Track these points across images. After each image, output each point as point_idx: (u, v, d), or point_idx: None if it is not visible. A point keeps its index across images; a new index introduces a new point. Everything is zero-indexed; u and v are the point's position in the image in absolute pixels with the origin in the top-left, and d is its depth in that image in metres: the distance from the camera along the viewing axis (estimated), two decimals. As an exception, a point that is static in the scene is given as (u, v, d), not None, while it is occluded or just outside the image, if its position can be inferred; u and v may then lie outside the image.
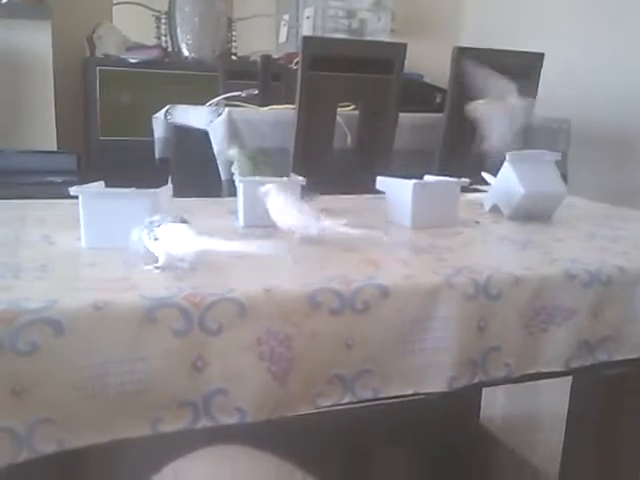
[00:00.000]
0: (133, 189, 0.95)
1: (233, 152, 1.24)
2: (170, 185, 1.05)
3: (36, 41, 3.02)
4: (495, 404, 1.89)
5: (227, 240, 0.85)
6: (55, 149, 3.17)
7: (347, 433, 1.41)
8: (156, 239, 0.82)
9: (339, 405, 0.81)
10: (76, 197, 0.93)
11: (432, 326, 0.84)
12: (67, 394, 0.69)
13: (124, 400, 0.71)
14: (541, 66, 2.24)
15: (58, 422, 0.69)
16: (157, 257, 0.82)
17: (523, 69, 2.24)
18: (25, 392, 0.67)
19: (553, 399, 1.41)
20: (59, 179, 2.67)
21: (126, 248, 0.83)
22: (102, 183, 1.02)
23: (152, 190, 0.95)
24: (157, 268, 0.82)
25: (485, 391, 1.65)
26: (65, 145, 3.24)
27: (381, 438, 1.57)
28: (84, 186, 0.96)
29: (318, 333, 0.78)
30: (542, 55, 2.23)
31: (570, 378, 1.22)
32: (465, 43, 3.05)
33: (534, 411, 1.96)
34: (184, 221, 0.85)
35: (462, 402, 1.68)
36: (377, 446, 1.55)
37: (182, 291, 0.74)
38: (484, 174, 1.36)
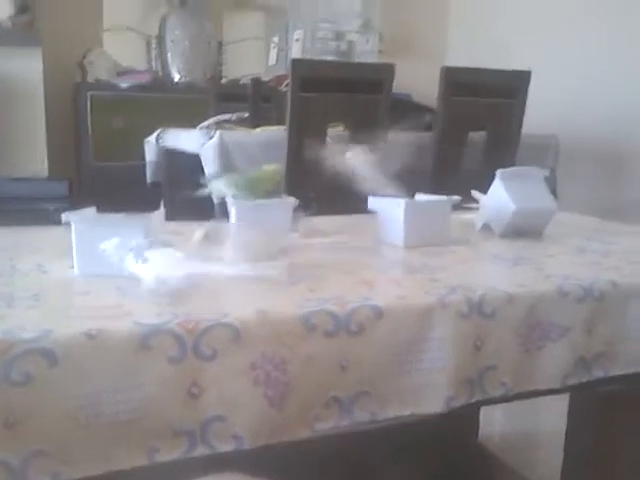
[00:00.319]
0: (125, 215, 0.95)
1: (227, 172, 1.25)
2: (162, 209, 1.05)
3: (27, 68, 3.04)
4: (493, 422, 1.88)
5: (219, 263, 0.85)
6: (47, 175, 3.17)
7: (345, 456, 1.40)
8: (144, 262, 0.81)
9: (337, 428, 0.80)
10: (68, 224, 0.93)
11: (428, 346, 0.83)
12: (61, 425, 0.68)
13: (119, 430, 0.70)
14: (528, 84, 2.26)
15: (52, 454, 0.68)
16: (143, 280, 0.81)
17: (510, 87, 2.27)
18: (18, 424, 0.66)
19: (551, 416, 1.40)
20: (51, 206, 2.67)
21: (119, 274, 0.83)
22: (94, 209, 1.02)
23: (144, 215, 0.95)
24: (144, 292, 0.81)
25: (483, 409, 1.64)
26: (57, 171, 3.24)
27: (380, 460, 1.55)
28: (76, 212, 0.96)
29: (313, 356, 0.78)
30: (529, 73, 2.25)
31: (568, 395, 1.22)
32: (452, 62, 3.09)
33: (533, 429, 1.95)
34: (170, 245, 0.85)
35: (460, 421, 1.67)
36: (376, 468, 1.54)
37: (176, 317, 0.74)
38: (473, 192, 1.36)
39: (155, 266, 0.82)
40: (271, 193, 1.22)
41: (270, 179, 1.23)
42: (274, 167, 1.25)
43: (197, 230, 0.92)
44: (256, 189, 1.21)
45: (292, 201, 1.15)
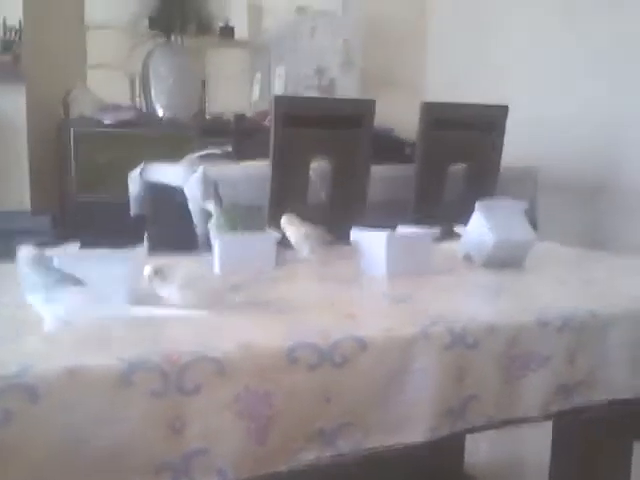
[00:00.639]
0: (108, 250, 0.95)
1: (211, 206, 1.27)
2: (146, 243, 1.05)
3: (10, 104, 3.04)
4: (479, 451, 1.87)
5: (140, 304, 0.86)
6: (29, 210, 3.15)
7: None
8: (49, 302, 0.82)
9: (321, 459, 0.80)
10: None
11: (411, 377, 0.84)
12: (42, 462, 0.67)
13: (101, 465, 0.69)
14: (505, 118, 2.31)
15: (34, 490, 0.67)
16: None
17: (488, 122, 2.32)
18: (1, 461, 0.66)
19: (536, 444, 1.40)
20: (34, 240, 2.64)
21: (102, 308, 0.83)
22: (77, 244, 1.03)
23: (126, 250, 0.95)
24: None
25: (468, 437, 1.63)
26: (41, 205, 3.23)
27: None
28: (59, 248, 0.96)
29: (297, 388, 0.78)
30: (506, 107, 2.30)
31: (551, 422, 1.22)
32: (432, 96, 3.14)
33: (518, 456, 1.95)
34: (79, 283, 0.86)
35: (446, 450, 1.66)
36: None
37: (158, 351, 0.74)
38: (455, 228, 1.38)
39: (59, 307, 0.83)
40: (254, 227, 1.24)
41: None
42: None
43: (147, 266, 0.91)
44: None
45: (276, 235, 1.16)
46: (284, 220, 1.24)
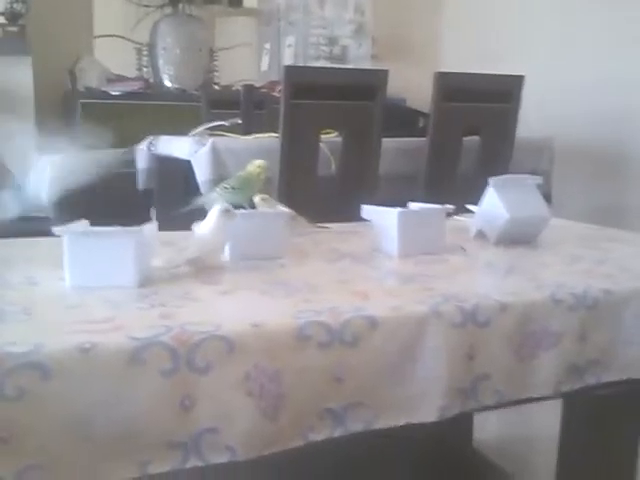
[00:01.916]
0: (117, 227, 0.95)
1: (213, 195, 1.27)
2: (155, 222, 1.05)
3: (17, 76, 3.03)
4: (488, 427, 1.88)
5: None
6: (38, 183, 3.15)
7: (340, 463, 1.40)
8: None
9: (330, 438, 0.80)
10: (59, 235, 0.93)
11: (421, 356, 0.83)
12: (55, 439, 0.68)
13: (112, 443, 0.70)
14: (521, 88, 2.27)
15: (46, 468, 0.67)
16: None
17: (504, 92, 2.28)
18: (12, 439, 0.66)
19: (545, 420, 1.40)
20: (42, 213, 2.65)
21: (111, 287, 0.83)
22: (86, 221, 1.02)
23: (136, 228, 0.95)
24: None
25: (477, 415, 1.64)
26: (48, 178, 3.23)
27: (375, 467, 1.55)
28: (68, 226, 0.96)
29: (307, 367, 0.78)
30: (522, 77, 2.26)
31: (561, 400, 1.22)
32: (445, 67, 3.10)
33: (527, 433, 1.96)
34: None
35: (455, 427, 1.67)
36: (371, 474, 1.54)
37: (169, 330, 0.73)
38: (468, 206, 1.37)
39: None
40: (262, 190, 1.24)
41: (258, 177, 1.25)
42: (259, 163, 1.27)
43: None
44: (248, 189, 1.23)
45: (287, 212, 1.15)
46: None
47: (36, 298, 0.87)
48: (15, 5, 3.07)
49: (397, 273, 1.07)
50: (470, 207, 1.33)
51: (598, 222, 1.55)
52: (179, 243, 1.14)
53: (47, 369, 0.67)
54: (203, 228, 1.02)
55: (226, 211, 1.01)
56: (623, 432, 1.13)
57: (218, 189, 1.28)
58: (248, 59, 3.87)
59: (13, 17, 3.05)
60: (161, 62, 3.52)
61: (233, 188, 1.27)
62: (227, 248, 1.12)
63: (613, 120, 2.76)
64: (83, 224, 0.99)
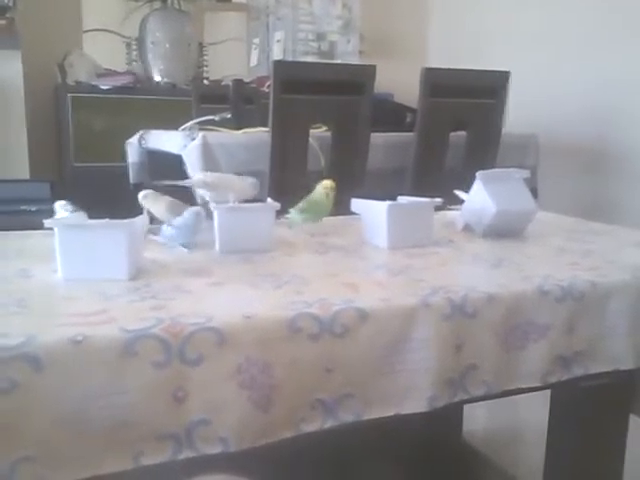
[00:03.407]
0: (108, 220, 0.95)
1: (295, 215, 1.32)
2: (146, 215, 1.05)
3: (6, 70, 3.01)
4: (477, 419, 1.90)
5: None
6: (28, 177, 3.14)
7: (330, 454, 1.41)
8: None
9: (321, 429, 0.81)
10: (51, 228, 0.93)
11: (411, 347, 0.85)
12: (47, 431, 0.68)
13: (104, 435, 0.70)
14: (507, 84, 2.28)
15: (38, 460, 0.68)
16: None
17: (490, 88, 2.29)
18: (5, 431, 0.66)
19: (534, 411, 1.42)
20: (33, 207, 2.65)
21: (103, 279, 0.83)
22: (85, 214, 1.02)
23: (128, 220, 0.95)
24: None
25: (467, 406, 1.66)
26: (39, 173, 3.22)
27: (365, 458, 1.57)
28: (60, 218, 0.96)
29: (298, 359, 0.79)
30: (508, 73, 2.27)
31: (549, 390, 1.24)
32: (432, 62, 3.11)
33: (516, 424, 1.97)
34: None
35: (444, 418, 1.68)
36: (361, 466, 1.55)
37: (161, 322, 0.74)
38: (457, 192, 1.38)
39: None
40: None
41: (327, 198, 1.28)
42: (325, 184, 1.29)
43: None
44: (318, 211, 1.27)
45: (274, 205, 1.16)
46: (141, 196, 1.21)
47: (29, 290, 0.88)
48: (3, -2, 3.04)
49: (386, 265, 1.08)
50: (458, 193, 1.34)
51: (582, 216, 1.56)
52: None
53: (39, 361, 0.68)
54: None
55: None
56: (610, 423, 1.14)
57: (292, 211, 1.30)
58: (237, 54, 3.87)
59: (1, 11, 3.03)
60: (150, 56, 3.51)
61: (302, 211, 1.30)
62: (217, 241, 1.13)
63: (597, 116, 2.79)
64: (77, 216, 1.00)
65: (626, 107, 2.66)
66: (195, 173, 1.95)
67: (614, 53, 2.68)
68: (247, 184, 1.30)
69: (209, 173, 1.38)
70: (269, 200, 1.21)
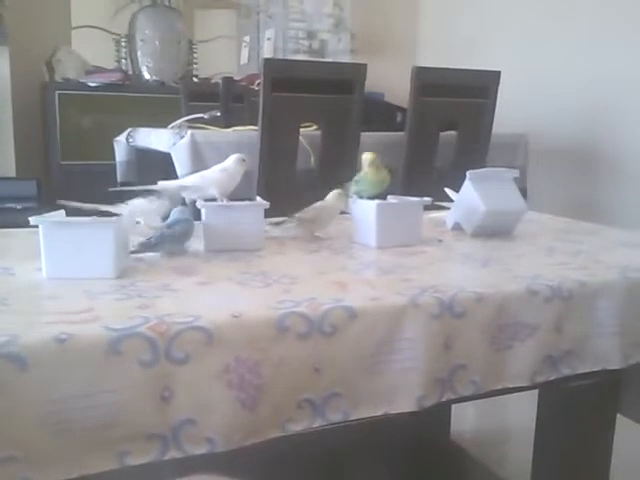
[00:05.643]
0: (94, 217, 0.94)
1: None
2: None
3: (-7, 66, 2.99)
4: (465, 419, 1.90)
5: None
6: (14, 175, 3.11)
7: (318, 455, 1.41)
8: None
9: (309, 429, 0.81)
10: (36, 226, 0.92)
11: (399, 347, 0.84)
12: (31, 431, 0.67)
13: (90, 434, 0.69)
14: (498, 84, 2.29)
15: (22, 460, 0.67)
16: None
17: (480, 87, 2.29)
18: (-13, 430, 0.65)
19: (522, 412, 1.42)
20: (19, 205, 2.63)
21: (88, 277, 0.82)
22: (62, 211, 1.01)
23: (114, 218, 0.94)
24: None
25: (455, 407, 1.66)
26: (25, 170, 3.19)
27: (353, 458, 1.56)
28: (44, 215, 0.95)
29: (286, 358, 0.78)
30: (498, 73, 2.28)
31: (537, 391, 1.24)
32: (423, 62, 3.11)
33: (504, 425, 1.98)
34: None
35: (432, 418, 1.68)
36: (349, 466, 1.55)
37: (147, 321, 0.73)
38: (447, 190, 1.38)
39: None
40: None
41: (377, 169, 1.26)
42: (366, 157, 1.28)
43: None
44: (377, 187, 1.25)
45: (263, 203, 1.15)
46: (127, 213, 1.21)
47: (12, 289, 0.87)
48: (-10, -6, 3.02)
49: (375, 264, 1.08)
50: (448, 191, 1.34)
51: (572, 216, 1.57)
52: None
53: (23, 360, 0.67)
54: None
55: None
56: (598, 422, 1.15)
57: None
58: (227, 52, 3.85)
59: (-12, 7, 3.00)
60: (140, 54, 3.49)
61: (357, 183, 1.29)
62: (203, 239, 1.12)
63: (586, 117, 2.80)
64: (59, 214, 0.99)
65: (616, 107, 2.67)
66: (183, 171, 1.94)
67: (604, 53, 2.69)
68: (228, 173, 1.22)
69: (189, 176, 1.35)
70: (258, 198, 1.21)
